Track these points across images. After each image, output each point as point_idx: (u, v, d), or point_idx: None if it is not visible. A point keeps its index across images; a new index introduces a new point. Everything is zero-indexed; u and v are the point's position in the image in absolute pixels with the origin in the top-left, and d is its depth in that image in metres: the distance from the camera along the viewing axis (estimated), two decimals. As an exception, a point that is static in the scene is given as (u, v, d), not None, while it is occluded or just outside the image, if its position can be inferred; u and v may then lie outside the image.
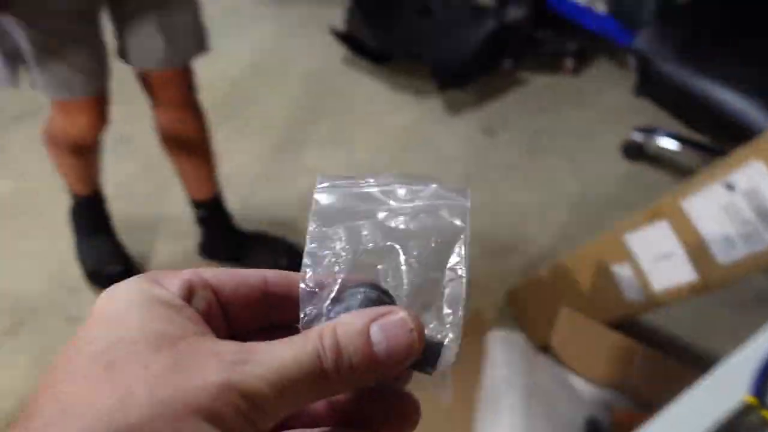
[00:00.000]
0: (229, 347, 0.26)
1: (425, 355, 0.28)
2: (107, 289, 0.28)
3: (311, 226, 0.30)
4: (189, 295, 0.28)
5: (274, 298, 0.30)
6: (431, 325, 0.28)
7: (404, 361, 0.27)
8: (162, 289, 0.27)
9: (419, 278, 0.29)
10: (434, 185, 0.31)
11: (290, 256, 1.72)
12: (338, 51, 2.43)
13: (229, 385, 0.24)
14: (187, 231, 1.78)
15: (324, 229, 0.30)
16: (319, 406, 0.30)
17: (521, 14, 2.26)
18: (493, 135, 2.18)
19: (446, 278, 0.29)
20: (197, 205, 1.71)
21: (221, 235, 1.75)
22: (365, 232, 0.30)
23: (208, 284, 0.29)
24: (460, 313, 0.29)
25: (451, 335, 0.28)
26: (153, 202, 1.94)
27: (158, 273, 0.28)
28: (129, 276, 0.28)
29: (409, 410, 0.29)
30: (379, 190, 0.31)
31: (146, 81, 1.49)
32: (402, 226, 0.30)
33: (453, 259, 0.29)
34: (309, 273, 0.29)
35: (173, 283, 0.28)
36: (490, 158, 2.11)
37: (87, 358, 0.25)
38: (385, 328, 0.26)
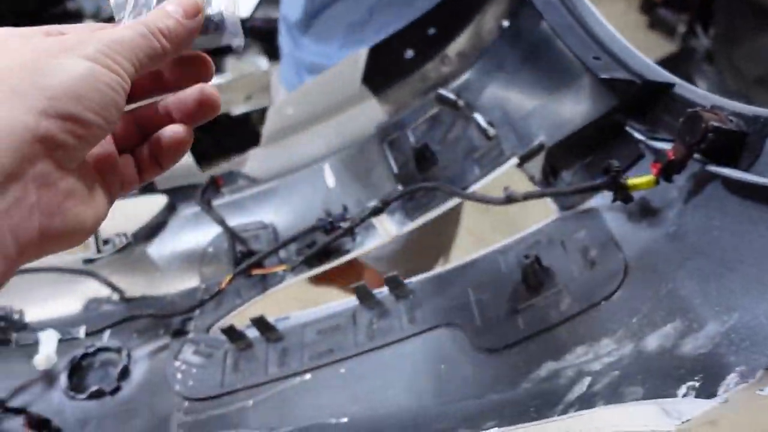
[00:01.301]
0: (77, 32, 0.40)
1: (217, 27, 0.43)
2: None
3: None
4: None
5: None
6: (216, 11, 0.43)
7: (197, 14, 0.41)
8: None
9: None
10: None
11: None
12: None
13: (93, 37, 0.38)
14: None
15: None
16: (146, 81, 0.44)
17: None
18: None
19: None
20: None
21: None
22: None
23: None
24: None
25: (230, 10, 0.43)
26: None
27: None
28: None
29: (206, 64, 0.44)
30: None
31: None
32: None
33: None
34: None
35: None
36: None
37: None
38: (174, 1, 0.41)
